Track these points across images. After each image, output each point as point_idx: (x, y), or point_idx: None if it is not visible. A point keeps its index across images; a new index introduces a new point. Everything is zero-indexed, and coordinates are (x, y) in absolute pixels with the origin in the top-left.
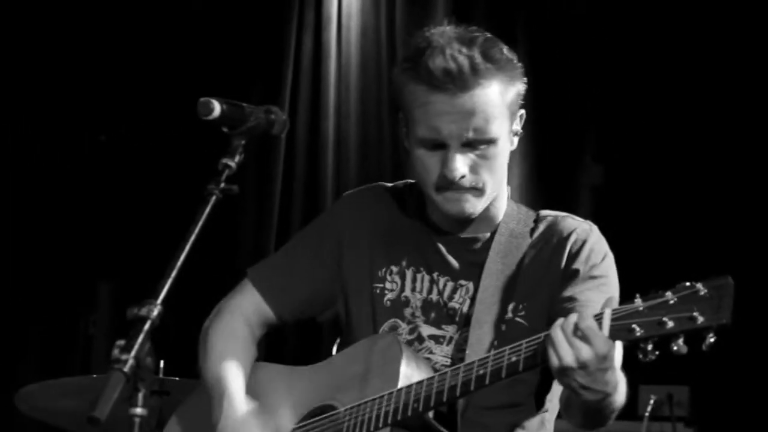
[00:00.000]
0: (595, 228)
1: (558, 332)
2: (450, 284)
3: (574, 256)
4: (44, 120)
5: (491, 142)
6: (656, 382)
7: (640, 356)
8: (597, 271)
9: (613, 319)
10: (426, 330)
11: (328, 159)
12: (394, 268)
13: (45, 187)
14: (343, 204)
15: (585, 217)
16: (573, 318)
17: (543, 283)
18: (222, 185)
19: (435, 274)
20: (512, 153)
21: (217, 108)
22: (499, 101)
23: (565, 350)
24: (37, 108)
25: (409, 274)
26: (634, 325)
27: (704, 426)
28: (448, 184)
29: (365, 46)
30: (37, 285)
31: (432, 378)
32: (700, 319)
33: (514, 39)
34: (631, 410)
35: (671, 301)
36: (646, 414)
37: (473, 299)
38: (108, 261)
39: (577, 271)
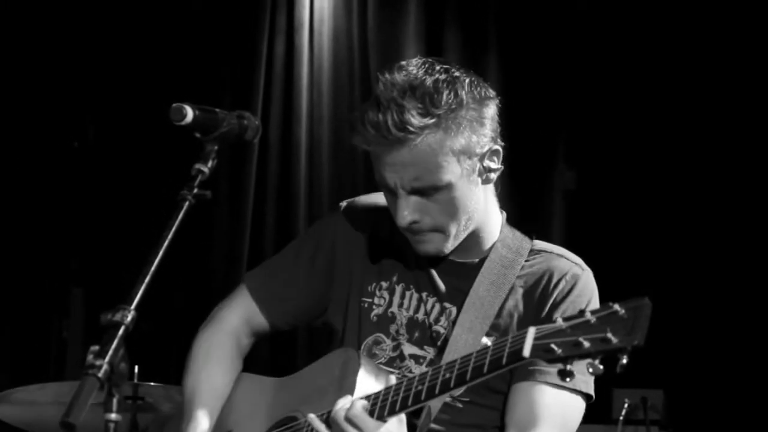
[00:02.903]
0: (585, 273)
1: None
2: (437, 306)
3: (557, 304)
4: (17, 126)
5: (440, 188)
6: (630, 386)
7: (559, 377)
8: None
9: (535, 338)
10: (408, 349)
11: (300, 163)
12: (384, 284)
13: (17, 193)
14: (340, 212)
15: (558, 223)
16: (344, 406)
17: (523, 324)
18: (195, 191)
19: (424, 294)
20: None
21: (189, 113)
22: (441, 151)
23: None
24: (9, 114)
25: (398, 290)
26: (552, 345)
27: (678, 429)
28: (405, 229)
29: (337, 50)
30: (9, 290)
31: (378, 392)
32: (614, 341)
33: (486, 45)
34: (605, 414)
35: (591, 321)
36: (621, 418)
37: (454, 324)
38: (81, 266)
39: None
